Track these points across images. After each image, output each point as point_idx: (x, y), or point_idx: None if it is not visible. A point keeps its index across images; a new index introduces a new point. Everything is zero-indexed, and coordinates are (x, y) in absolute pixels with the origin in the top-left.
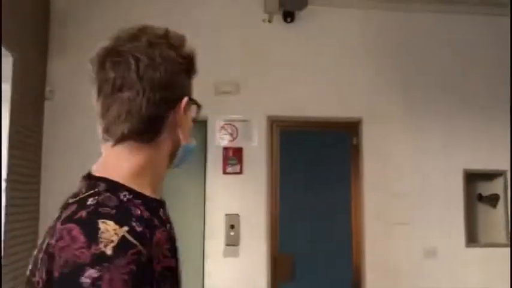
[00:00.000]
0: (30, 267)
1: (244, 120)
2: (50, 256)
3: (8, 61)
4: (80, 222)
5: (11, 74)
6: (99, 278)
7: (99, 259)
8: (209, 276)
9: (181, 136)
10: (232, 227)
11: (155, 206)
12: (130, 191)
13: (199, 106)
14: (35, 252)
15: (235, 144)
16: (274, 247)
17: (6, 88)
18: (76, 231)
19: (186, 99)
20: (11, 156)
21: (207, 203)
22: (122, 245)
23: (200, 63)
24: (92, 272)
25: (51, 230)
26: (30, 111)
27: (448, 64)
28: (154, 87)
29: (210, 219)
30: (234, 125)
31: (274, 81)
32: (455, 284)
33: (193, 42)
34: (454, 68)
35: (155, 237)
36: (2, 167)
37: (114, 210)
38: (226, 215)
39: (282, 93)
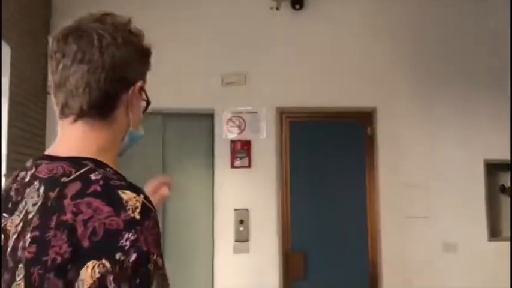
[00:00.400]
0: (32, 250)
1: (252, 112)
2: (70, 230)
3: (6, 53)
4: (98, 195)
5: (9, 67)
6: (136, 240)
7: (132, 223)
8: (219, 273)
9: (131, 119)
10: (241, 222)
11: None
12: (109, 167)
13: (148, 102)
14: (28, 237)
15: (243, 137)
16: (285, 243)
17: (5, 81)
18: (97, 203)
19: (140, 82)
20: (12, 150)
21: (215, 197)
22: (145, 210)
23: (206, 54)
24: (128, 236)
25: (46, 209)
26: (32, 105)
27: (467, 50)
28: (114, 65)
29: (219, 215)
30: (241, 117)
31: (283, 71)
32: (476, 279)
33: (200, 33)
34: (473, 54)
35: None
36: (2, 161)
37: (123, 182)
38: (236, 210)
39: (291, 83)
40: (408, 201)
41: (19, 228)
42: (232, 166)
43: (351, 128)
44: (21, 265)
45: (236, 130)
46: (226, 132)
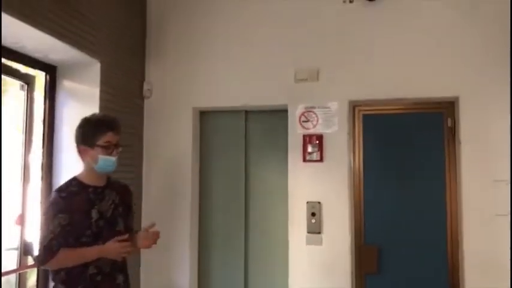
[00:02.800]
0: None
1: (324, 107)
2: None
3: (96, 67)
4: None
5: (99, 78)
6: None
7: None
8: (293, 262)
9: (89, 157)
10: (313, 214)
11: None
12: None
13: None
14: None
15: (316, 131)
16: (358, 237)
17: (96, 92)
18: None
19: (81, 146)
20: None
21: (289, 190)
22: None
23: (279, 50)
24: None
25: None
26: (129, 111)
27: None
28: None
29: (292, 207)
30: (314, 112)
31: (356, 64)
32: None
33: (272, 30)
34: None
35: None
36: None
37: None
38: (308, 202)
39: (364, 76)
40: (493, 198)
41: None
42: (304, 160)
43: (429, 120)
44: None
45: (308, 125)
46: (299, 127)
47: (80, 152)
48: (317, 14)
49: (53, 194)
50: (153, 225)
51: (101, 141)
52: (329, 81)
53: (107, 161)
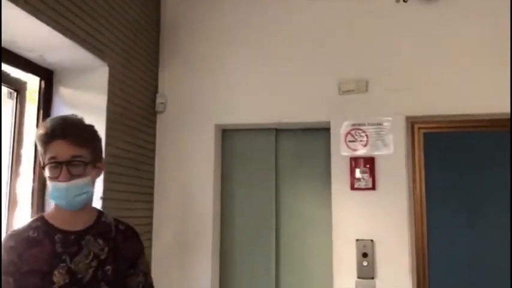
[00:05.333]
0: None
1: (376, 124)
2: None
3: (104, 71)
4: None
5: (107, 85)
6: None
7: None
8: None
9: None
10: (364, 255)
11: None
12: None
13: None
14: None
15: (366, 153)
16: (422, 283)
17: (102, 101)
18: None
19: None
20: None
21: (333, 225)
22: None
23: (319, 57)
24: None
25: None
26: (139, 127)
27: None
28: None
29: (338, 246)
30: (363, 130)
31: (413, 74)
32: None
33: (310, 34)
34: None
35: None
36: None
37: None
38: (357, 240)
39: (425, 87)
40: None
41: None
42: (353, 188)
43: (505, 140)
44: None
45: (356, 145)
46: (345, 148)
47: None
48: (365, 15)
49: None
50: None
51: (46, 159)
52: (381, 93)
53: (54, 191)
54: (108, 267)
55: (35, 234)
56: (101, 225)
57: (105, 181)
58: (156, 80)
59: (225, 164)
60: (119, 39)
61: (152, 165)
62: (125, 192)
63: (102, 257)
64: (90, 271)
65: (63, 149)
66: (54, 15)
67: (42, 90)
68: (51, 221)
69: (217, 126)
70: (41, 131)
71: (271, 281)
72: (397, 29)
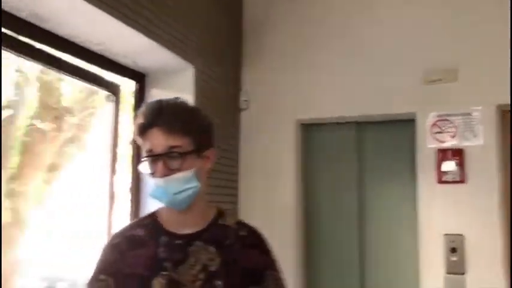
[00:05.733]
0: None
1: (465, 114)
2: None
3: (190, 72)
4: None
5: (193, 86)
6: None
7: None
8: None
9: None
10: (453, 250)
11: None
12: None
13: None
14: None
15: (454, 144)
16: None
17: (190, 99)
18: None
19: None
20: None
21: (419, 220)
22: None
23: (403, 45)
24: None
25: None
26: (224, 125)
27: None
28: None
29: (425, 241)
30: (450, 120)
31: (503, 61)
32: None
33: (393, 20)
34: None
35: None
36: None
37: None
38: (445, 235)
39: None
40: None
41: None
42: (440, 181)
43: None
44: None
45: (444, 137)
46: (432, 140)
47: None
48: (452, 2)
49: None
50: None
51: (144, 152)
52: (470, 82)
53: (154, 189)
54: (219, 282)
55: (142, 233)
56: (216, 229)
57: None
58: (239, 78)
59: (307, 159)
60: (203, 41)
61: (236, 162)
62: (210, 188)
63: (212, 269)
64: (197, 285)
65: (158, 139)
66: (145, 23)
67: (136, 92)
68: (160, 220)
69: (298, 121)
70: (137, 120)
71: (356, 277)
72: (488, 12)
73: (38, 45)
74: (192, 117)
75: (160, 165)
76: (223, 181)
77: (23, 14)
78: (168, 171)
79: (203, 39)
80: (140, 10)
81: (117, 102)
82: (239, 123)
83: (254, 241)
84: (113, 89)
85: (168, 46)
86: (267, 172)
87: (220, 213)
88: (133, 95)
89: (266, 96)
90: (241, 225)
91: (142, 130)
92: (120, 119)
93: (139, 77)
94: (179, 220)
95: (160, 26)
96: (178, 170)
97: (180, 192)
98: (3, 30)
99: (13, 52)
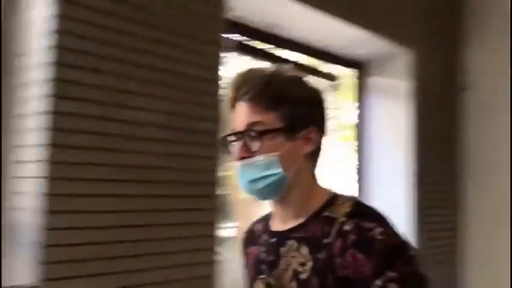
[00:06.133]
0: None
1: None
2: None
3: (409, 57)
4: None
5: (413, 70)
6: None
7: None
8: None
9: None
10: None
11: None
12: None
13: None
14: None
15: None
16: None
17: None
18: None
19: None
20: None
21: None
22: None
23: None
24: None
25: None
26: (446, 108)
27: None
28: None
29: None
30: None
31: None
32: None
33: None
34: None
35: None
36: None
37: None
38: None
39: None
40: None
41: None
42: None
43: None
44: None
45: None
46: None
47: None
48: None
49: None
50: None
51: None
52: None
53: (237, 173)
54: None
55: (260, 228)
56: (315, 223)
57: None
58: (460, 55)
59: None
60: (420, 25)
61: (459, 149)
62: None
63: (302, 276)
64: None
65: (239, 115)
66: (363, 17)
67: (356, 81)
68: (272, 213)
69: None
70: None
71: None
72: None
73: (267, 48)
74: (283, 87)
75: (237, 145)
76: (438, 185)
77: (255, 23)
78: (247, 154)
79: (421, 22)
80: (359, 5)
81: (336, 91)
82: (461, 107)
83: (359, 239)
84: (332, 79)
85: (385, 35)
86: (492, 148)
87: (331, 201)
88: (353, 84)
89: (492, 73)
90: (352, 215)
91: (230, 105)
92: (341, 105)
93: (358, 65)
94: (279, 213)
95: (376, 16)
96: (258, 152)
97: (256, 180)
98: (239, 38)
99: (249, 56)
